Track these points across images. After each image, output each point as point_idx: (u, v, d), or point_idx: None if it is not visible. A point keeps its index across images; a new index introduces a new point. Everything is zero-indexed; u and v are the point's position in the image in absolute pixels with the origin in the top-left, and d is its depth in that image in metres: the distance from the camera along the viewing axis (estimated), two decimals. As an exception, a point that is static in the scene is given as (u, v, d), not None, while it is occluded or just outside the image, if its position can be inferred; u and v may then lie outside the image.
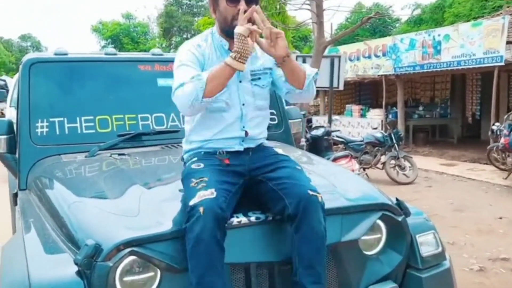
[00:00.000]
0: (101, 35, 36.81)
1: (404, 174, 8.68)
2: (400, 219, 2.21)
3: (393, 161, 8.74)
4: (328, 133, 7.74)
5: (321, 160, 3.20)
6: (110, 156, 2.78)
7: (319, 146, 7.46)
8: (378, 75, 13.90)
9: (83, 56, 3.35)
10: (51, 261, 1.84)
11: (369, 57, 14.89)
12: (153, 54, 3.47)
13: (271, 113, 3.23)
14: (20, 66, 3.09)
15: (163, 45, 35.30)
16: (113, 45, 35.30)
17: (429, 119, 14.40)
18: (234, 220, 1.90)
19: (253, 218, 1.94)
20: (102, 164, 2.69)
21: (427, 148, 13.01)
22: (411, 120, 13.84)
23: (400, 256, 2.20)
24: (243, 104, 2.15)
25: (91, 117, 3.02)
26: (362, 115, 14.75)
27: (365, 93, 17.21)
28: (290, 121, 3.62)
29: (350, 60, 15.52)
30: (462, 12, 25.00)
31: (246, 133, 2.15)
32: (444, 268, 2.31)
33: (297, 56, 9.16)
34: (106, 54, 3.34)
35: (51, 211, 2.22)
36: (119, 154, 2.80)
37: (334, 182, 2.37)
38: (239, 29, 1.92)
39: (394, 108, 13.97)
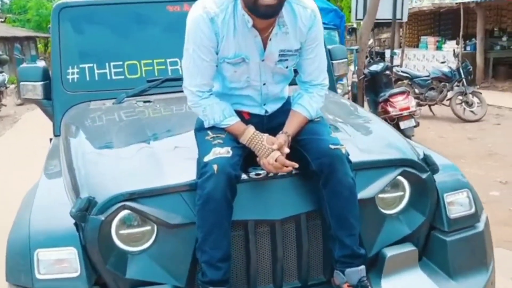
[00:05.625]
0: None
1: (471, 111, 8.08)
2: (424, 176, 1.99)
3: (460, 97, 8.17)
4: (387, 68, 7.33)
5: (351, 108, 2.96)
6: (136, 103, 2.75)
7: (377, 82, 6.99)
8: (456, 3, 12.57)
9: None
10: (53, 214, 1.86)
11: (447, -17, 13.71)
12: None
13: None
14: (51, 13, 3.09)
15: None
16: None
17: (514, 51, 12.98)
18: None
19: (253, 174, 1.85)
20: (123, 113, 2.65)
21: (508, 83, 11.93)
22: (492, 52, 12.59)
23: (423, 217, 2.01)
24: (264, 84, 1.97)
25: (120, 63, 3.00)
26: (438, 48, 13.70)
27: (445, 23, 15.82)
28: (333, 62, 3.31)
29: (426, -13, 14.41)
30: None
31: (266, 111, 2.03)
32: (475, 231, 2.08)
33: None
34: None
35: (67, 160, 2.23)
36: (144, 102, 2.77)
37: (354, 134, 2.19)
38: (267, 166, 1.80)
39: (473, 39, 12.93)
